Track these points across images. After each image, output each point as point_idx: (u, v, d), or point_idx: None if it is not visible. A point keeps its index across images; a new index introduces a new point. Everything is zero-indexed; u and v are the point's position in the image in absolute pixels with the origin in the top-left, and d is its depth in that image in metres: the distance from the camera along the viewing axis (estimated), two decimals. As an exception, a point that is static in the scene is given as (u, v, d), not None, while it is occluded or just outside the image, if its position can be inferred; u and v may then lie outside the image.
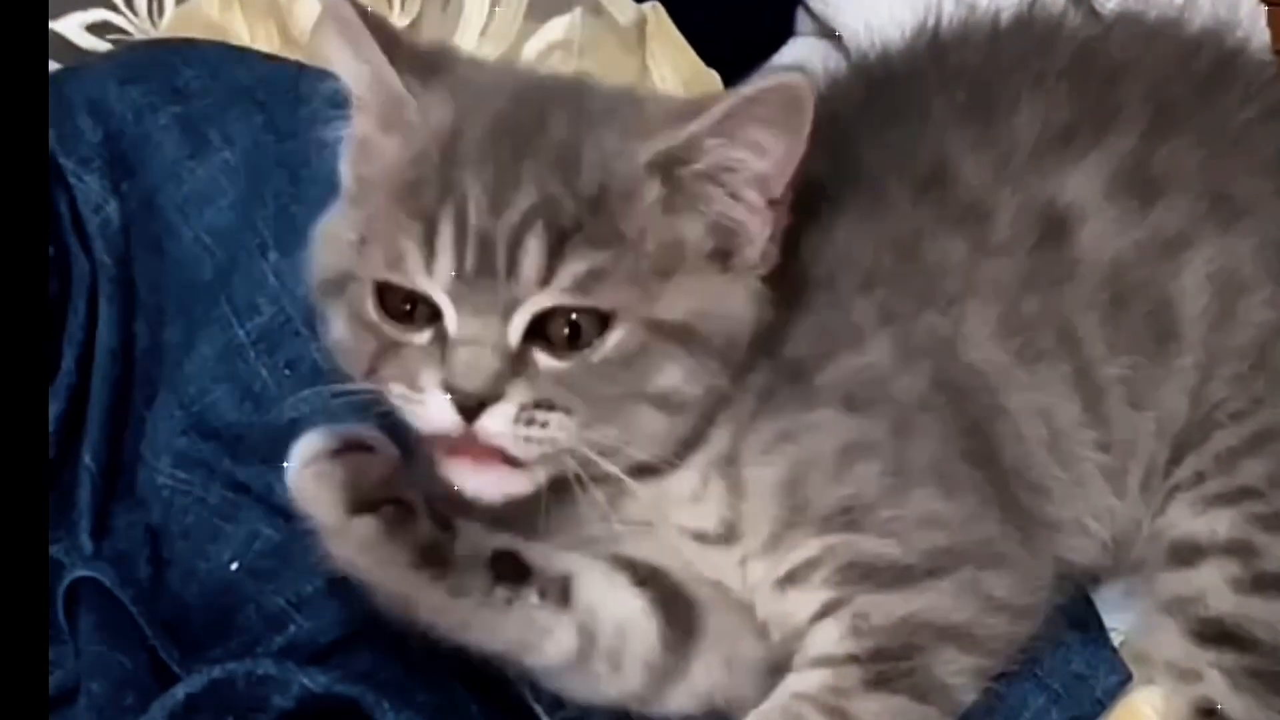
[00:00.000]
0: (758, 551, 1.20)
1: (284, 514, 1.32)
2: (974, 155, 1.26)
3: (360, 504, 1.13)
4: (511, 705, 1.23)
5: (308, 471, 1.14)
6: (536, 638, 1.17)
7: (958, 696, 1.19)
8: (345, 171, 1.19)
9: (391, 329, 1.12)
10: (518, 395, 1.09)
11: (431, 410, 1.09)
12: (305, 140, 1.44)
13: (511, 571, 1.16)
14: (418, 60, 1.15)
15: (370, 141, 1.16)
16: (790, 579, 1.19)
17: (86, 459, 1.37)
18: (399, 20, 1.60)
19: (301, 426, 1.36)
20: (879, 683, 1.16)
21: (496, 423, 1.08)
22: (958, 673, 1.18)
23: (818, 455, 1.18)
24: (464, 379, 1.08)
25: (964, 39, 1.36)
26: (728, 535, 1.20)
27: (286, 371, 1.39)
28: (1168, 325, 1.26)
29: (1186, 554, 1.27)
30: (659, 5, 1.68)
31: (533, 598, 1.16)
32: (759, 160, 1.11)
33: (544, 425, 1.09)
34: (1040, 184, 1.25)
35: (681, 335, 1.12)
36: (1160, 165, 1.27)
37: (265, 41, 1.56)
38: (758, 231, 1.14)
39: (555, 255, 1.08)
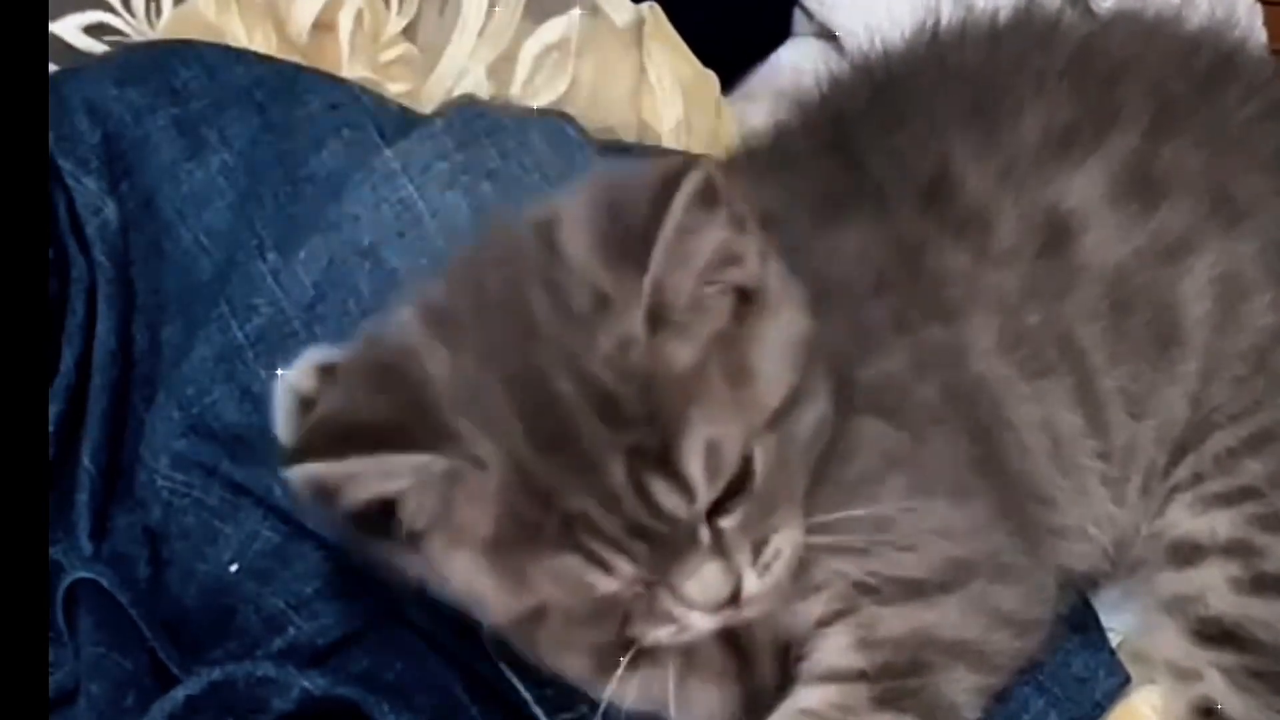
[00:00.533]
0: None
1: (283, 515, 1.32)
2: (977, 161, 1.26)
3: None
4: (512, 708, 1.23)
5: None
6: None
7: (964, 714, 1.18)
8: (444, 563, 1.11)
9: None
10: (746, 563, 1.08)
11: (698, 629, 1.09)
12: (303, 141, 1.44)
13: None
14: (406, 422, 1.07)
15: (446, 529, 1.10)
16: (798, 593, 1.18)
17: (86, 461, 1.37)
18: (396, 23, 1.59)
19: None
20: (887, 701, 1.15)
21: (754, 590, 1.09)
22: (965, 691, 1.18)
23: (859, 471, 1.17)
24: (708, 603, 1.08)
25: (963, 39, 1.36)
26: None
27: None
28: (1170, 331, 1.26)
29: (1187, 554, 1.27)
30: (656, 6, 1.68)
31: None
32: (719, 240, 1.07)
33: (775, 558, 1.10)
34: (1043, 190, 1.25)
35: (794, 398, 1.10)
36: (1162, 166, 1.27)
37: (263, 43, 1.56)
38: (759, 267, 1.10)
39: (675, 476, 1.05)
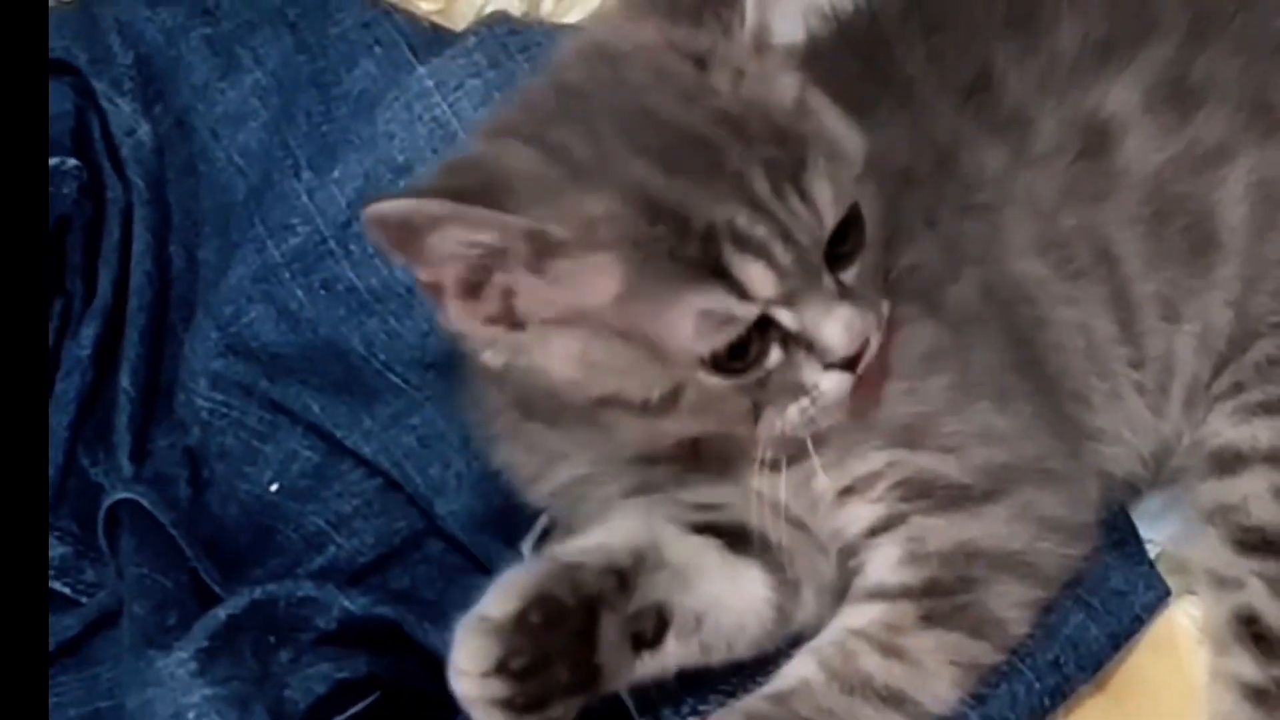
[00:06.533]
0: (830, 463, 1.16)
1: (322, 434, 1.33)
2: (1017, 66, 1.24)
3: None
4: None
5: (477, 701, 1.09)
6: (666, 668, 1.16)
7: (1012, 630, 1.18)
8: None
9: (744, 380, 1.07)
10: (875, 320, 1.09)
11: (836, 392, 1.08)
12: (336, 59, 1.44)
13: (652, 635, 1.14)
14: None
15: (561, 293, 1.05)
16: (850, 491, 1.17)
17: (124, 382, 1.38)
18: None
19: (337, 346, 1.37)
20: (934, 619, 1.15)
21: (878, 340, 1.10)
22: (1013, 605, 1.17)
23: (902, 361, 1.16)
24: (856, 339, 1.07)
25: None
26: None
27: (322, 291, 1.39)
28: (1207, 236, 1.24)
29: (1228, 462, 1.25)
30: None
31: (670, 644, 1.14)
32: None
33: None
34: (1082, 96, 1.24)
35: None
36: (1199, 75, 1.25)
37: (294, -39, 1.55)
38: None
39: (805, 194, 1.04)
